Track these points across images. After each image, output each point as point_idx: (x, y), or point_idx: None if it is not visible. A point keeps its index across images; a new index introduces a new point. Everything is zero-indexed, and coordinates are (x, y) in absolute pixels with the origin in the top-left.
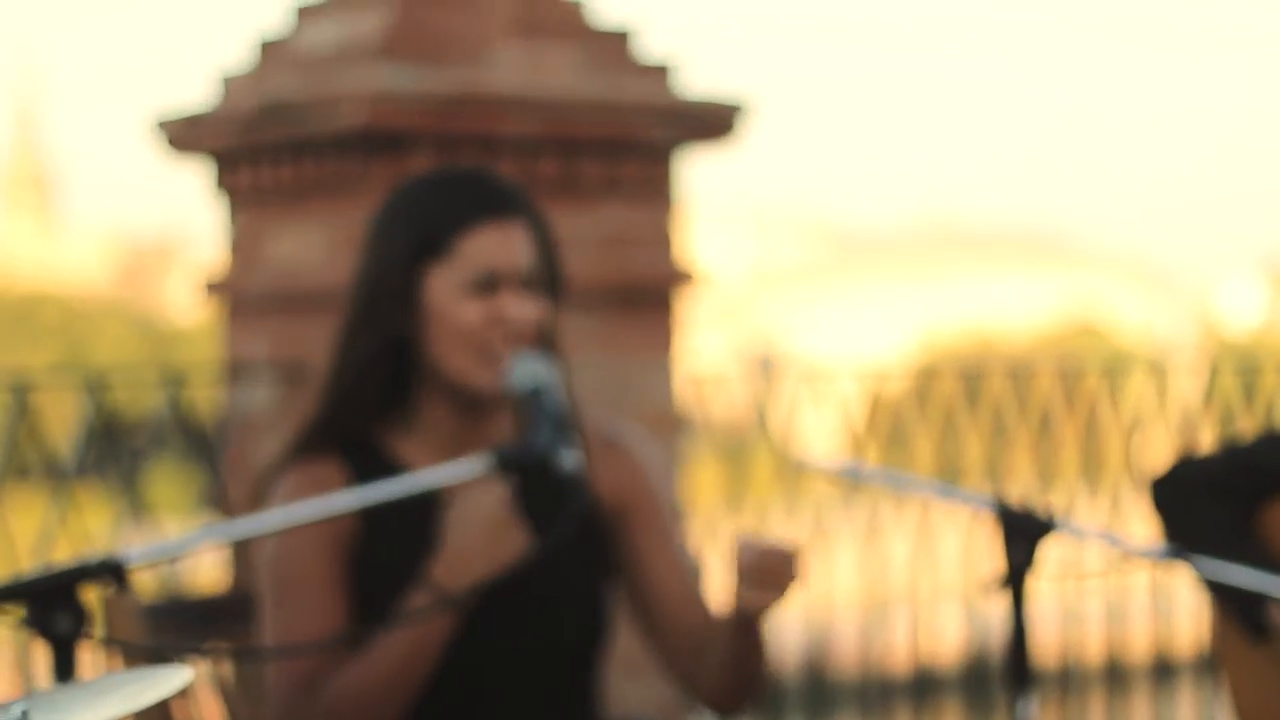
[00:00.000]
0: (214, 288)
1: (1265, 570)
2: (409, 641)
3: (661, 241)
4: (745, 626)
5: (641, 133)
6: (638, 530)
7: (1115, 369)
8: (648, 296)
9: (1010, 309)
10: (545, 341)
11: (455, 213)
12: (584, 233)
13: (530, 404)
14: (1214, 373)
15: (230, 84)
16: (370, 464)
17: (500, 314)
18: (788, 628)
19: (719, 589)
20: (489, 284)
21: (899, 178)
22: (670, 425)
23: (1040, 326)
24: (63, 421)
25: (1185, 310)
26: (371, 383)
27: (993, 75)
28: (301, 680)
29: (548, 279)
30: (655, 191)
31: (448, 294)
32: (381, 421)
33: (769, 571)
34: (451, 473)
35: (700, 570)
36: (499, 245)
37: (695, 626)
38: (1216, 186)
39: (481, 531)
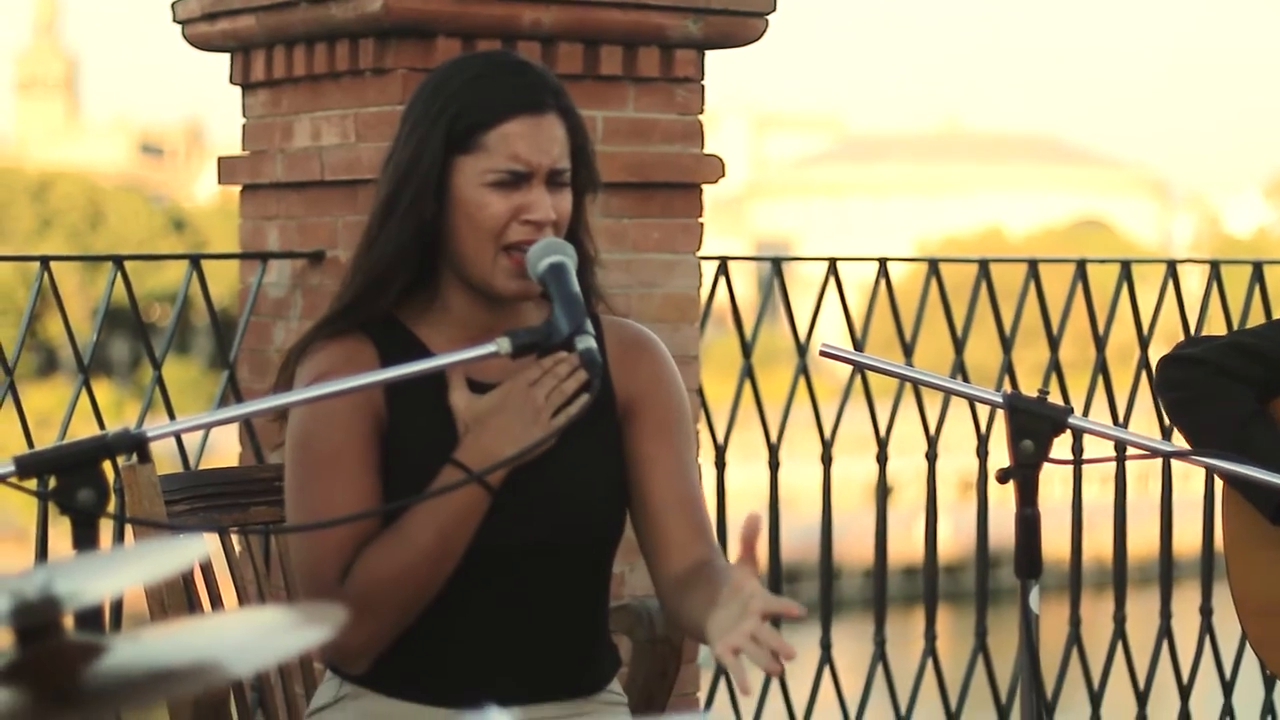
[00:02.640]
0: (231, 175)
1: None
2: (442, 521)
3: (683, 134)
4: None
5: (665, 24)
6: (646, 434)
7: (1127, 263)
8: (669, 188)
9: (1019, 211)
10: (569, 234)
11: (488, 106)
12: (605, 124)
13: (545, 288)
14: (1219, 268)
15: None
16: (398, 345)
17: (524, 208)
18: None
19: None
20: (516, 178)
21: (909, 80)
22: (692, 317)
23: (1050, 227)
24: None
25: (1191, 217)
26: (402, 268)
27: None
28: (332, 562)
29: (577, 173)
30: (678, 83)
31: (475, 185)
32: (405, 307)
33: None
34: (468, 355)
35: (702, 498)
36: (528, 140)
37: (686, 549)
38: (1228, 109)
39: (506, 409)
